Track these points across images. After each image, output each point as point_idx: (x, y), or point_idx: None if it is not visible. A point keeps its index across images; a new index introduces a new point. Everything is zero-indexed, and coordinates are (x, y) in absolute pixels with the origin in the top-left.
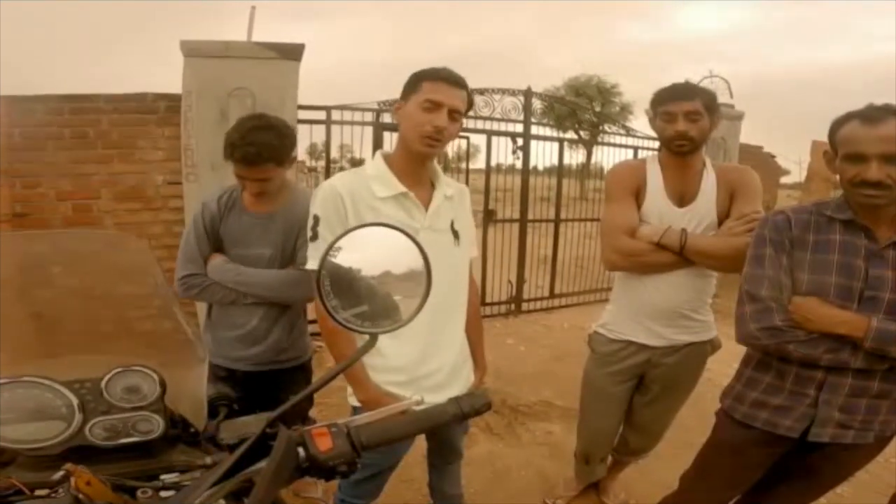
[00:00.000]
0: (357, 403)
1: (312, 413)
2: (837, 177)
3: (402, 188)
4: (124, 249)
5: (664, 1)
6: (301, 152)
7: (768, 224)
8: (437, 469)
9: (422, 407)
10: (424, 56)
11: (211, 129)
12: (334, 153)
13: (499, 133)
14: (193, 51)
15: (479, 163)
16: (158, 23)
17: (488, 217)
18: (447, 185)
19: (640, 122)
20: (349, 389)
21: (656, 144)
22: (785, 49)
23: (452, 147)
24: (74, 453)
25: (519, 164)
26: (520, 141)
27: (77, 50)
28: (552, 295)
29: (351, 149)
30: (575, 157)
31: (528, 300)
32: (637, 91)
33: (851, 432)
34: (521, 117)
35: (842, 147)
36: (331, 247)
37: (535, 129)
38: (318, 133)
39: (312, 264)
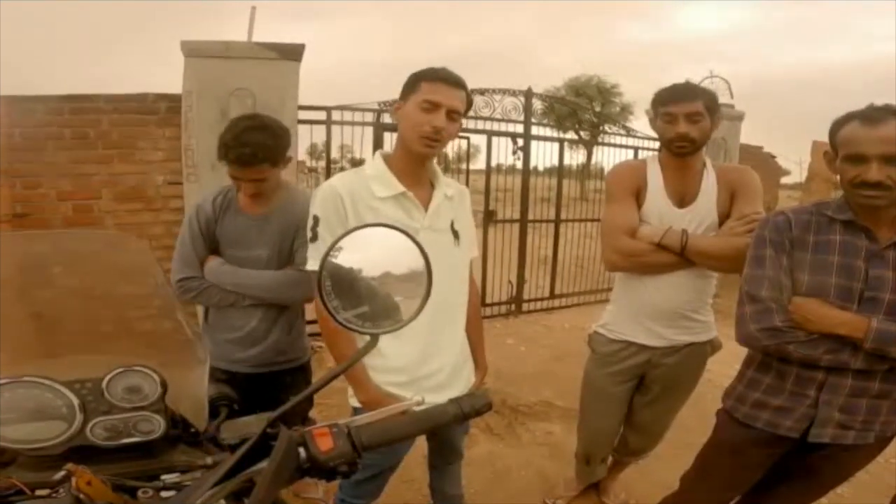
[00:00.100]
0: (358, 404)
1: (312, 414)
2: (838, 177)
3: (401, 188)
4: (125, 250)
5: (664, 1)
6: (301, 153)
7: (768, 225)
8: (437, 469)
9: (422, 407)
10: (424, 56)
11: (211, 130)
12: (334, 153)
13: (499, 133)
14: (194, 51)
15: (479, 163)
16: (158, 23)
17: (488, 217)
18: (447, 186)
19: (641, 122)
20: (350, 390)
21: (657, 145)
22: (785, 49)
23: (453, 147)
24: (75, 453)
25: (519, 165)
26: (520, 141)
27: (77, 50)
28: (552, 295)
29: (351, 149)
30: (575, 158)
31: (529, 300)
32: (637, 91)
33: (852, 433)
34: (522, 117)
35: (842, 148)
36: (332, 247)
37: (535, 130)
38: (319, 133)
39: (313, 265)
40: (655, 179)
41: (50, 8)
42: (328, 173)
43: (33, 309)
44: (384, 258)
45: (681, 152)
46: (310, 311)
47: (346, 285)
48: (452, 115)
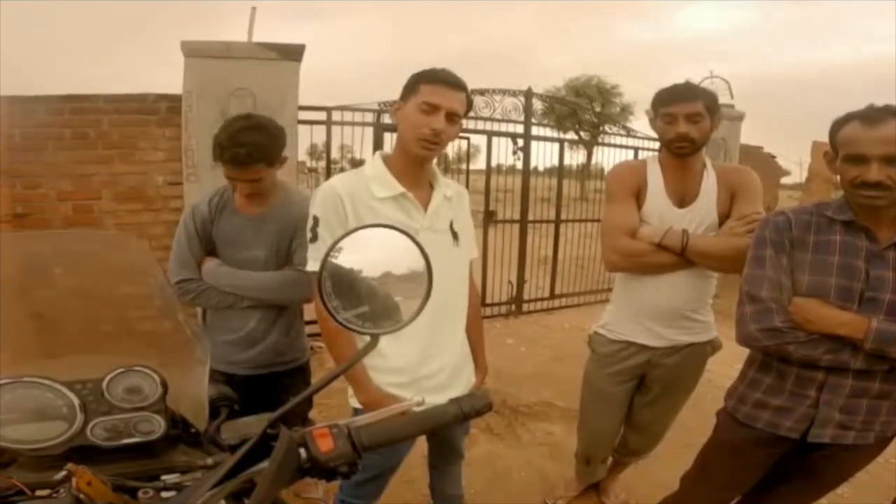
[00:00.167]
0: (358, 405)
1: (312, 415)
2: (838, 178)
3: (400, 189)
4: (125, 250)
5: (664, 1)
6: (301, 153)
7: (769, 225)
8: (437, 470)
9: (423, 408)
10: (424, 56)
11: (211, 130)
12: (334, 154)
13: (499, 134)
14: (194, 51)
15: (479, 163)
16: (159, 23)
17: (489, 218)
18: (446, 186)
19: (641, 122)
20: (350, 391)
21: (657, 145)
22: (785, 49)
23: (453, 148)
24: (75, 454)
25: (519, 165)
26: (520, 141)
27: (77, 50)
28: (552, 295)
29: (351, 149)
30: (575, 158)
31: (529, 301)
32: (637, 91)
33: (852, 433)
34: (522, 118)
35: (842, 148)
36: (332, 248)
37: (535, 130)
38: (319, 134)
39: (313, 266)
40: (655, 180)
41: (50, 8)
42: (328, 174)
43: (34, 309)
44: (384, 258)
45: (681, 153)
46: (310, 311)
47: (346, 286)
48: (452, 117)
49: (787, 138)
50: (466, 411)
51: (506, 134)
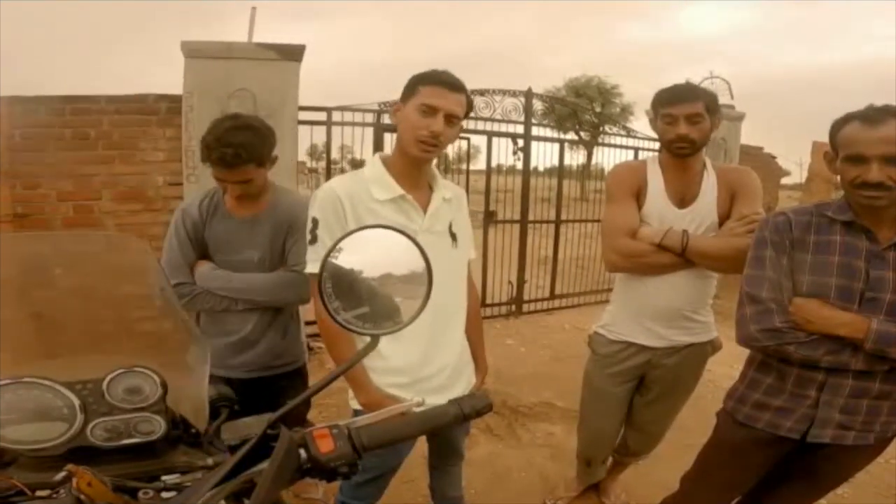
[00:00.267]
0: (358, 406)
1: (311, 416)
2: (838, 178)
3: (400, 191)
4: (125, 250)
5: (664, 1)
6: (301, 153)
7: (769, 225)
8: (437, 470)
9: (423, 408)
10: (425, 56)
11: None
12: (335, 154)
13: (499, 134)
14: (194, 52)
15: (479, 164)
16: (159, 23)
17: (489, 218)
18: (445, 188)
19: (641, 122)
20: (350, 392)
21: (657, 145)
22: (785, 49)
23: (453, 148)
24: (76, 454)
25: (519, 165)
26: (520, 142)
27: (77, 50)
28: (552, 296)
29: (351, 150)
30: (575, 158)
31: (529, 301)
32: (637, 92)
33: (852, 433)
34: (522, 118)
35: (842, 148)
36: (332, 249)
37: (535, 130)
38: (319, 134)
39: (312, 267)
40: (655, 180)
41: (50, 8)
42: (328, 174)
43: (34, 309)
44: (384, 259)
45: (681, 153)
46: (309, 311)
47: (346, 286)
48: (451, 119)
49: (787, 138)
50: (467, 412)
51: (506, 134)
